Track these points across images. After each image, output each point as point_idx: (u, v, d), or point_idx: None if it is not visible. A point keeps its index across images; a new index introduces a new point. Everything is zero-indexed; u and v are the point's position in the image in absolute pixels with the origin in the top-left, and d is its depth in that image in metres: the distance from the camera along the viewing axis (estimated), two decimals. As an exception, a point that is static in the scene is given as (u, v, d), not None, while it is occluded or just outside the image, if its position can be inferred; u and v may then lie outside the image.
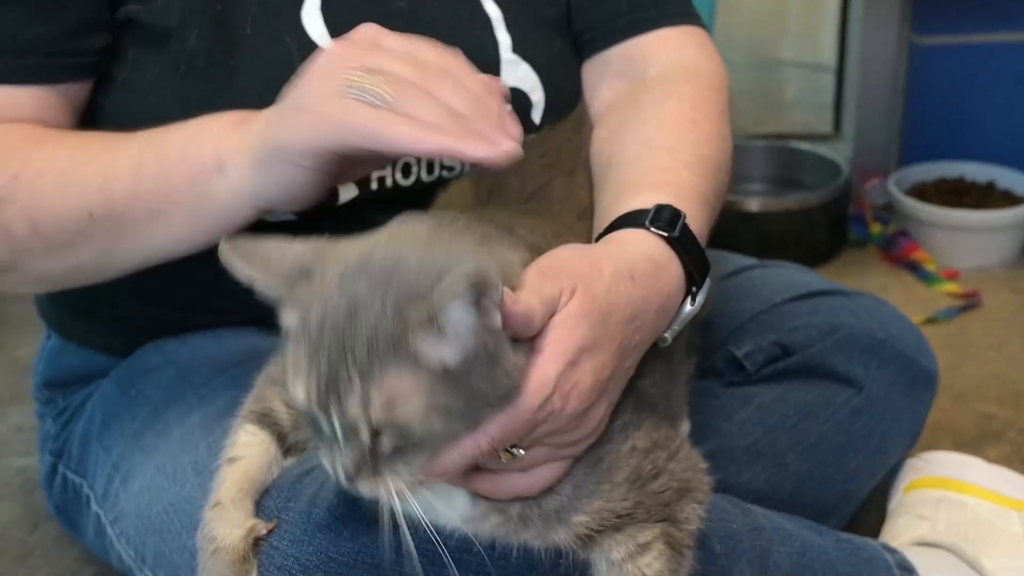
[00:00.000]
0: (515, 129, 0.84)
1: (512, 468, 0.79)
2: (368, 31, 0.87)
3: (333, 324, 0.69)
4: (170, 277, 1.02)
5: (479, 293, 0.67)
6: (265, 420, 0.90)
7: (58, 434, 1.21)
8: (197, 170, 0.89)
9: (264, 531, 0.87)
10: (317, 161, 0.84)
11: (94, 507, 1.12)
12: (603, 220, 0.93)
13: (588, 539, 0.84)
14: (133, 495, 1.03)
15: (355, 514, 0.88)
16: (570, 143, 1.09)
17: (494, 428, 0.73)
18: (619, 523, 0.84)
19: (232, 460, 0.89)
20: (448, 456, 0.73)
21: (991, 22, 2.18)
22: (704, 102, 1.05)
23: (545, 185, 1.03)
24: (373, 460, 0.71)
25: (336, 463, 0.72)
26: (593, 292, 0.78)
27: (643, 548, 0.84)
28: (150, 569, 1.00)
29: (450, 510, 0.82)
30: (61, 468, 1.20)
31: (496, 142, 0.80)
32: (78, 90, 1.01)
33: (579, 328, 0.77)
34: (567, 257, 0.81)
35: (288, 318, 0.74)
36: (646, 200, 0.91)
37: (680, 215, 0.89)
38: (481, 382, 0.70)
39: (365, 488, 0.72)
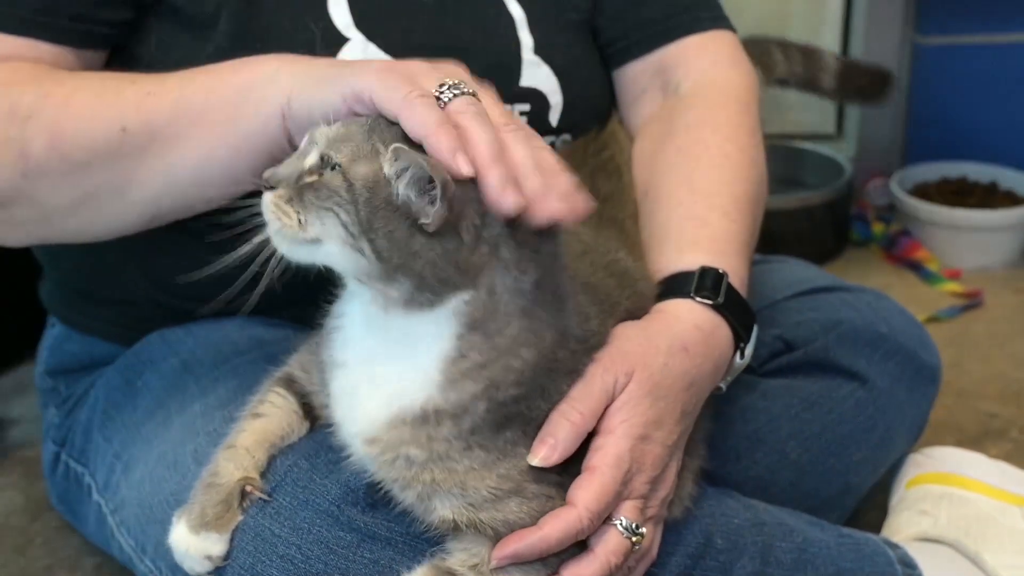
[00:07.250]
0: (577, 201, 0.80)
1: (646, 556, 0.89)
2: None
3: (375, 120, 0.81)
4: (177, 263, 1.02)
5: (436, 186, 0.74)
6: (290, 385, 0.93)
7: (61, 422, 1.21)
8: (251, 78, 0.89)
9: (256, 490, 0.89)
10: (357, 104, 0.81)
11: (95, 496, 1.12)
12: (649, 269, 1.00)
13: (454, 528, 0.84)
14: (134, 484, 1.03)
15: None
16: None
17: (588, 500, 0.82)
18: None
19: (256, 415, 0.92)
20: (541, 532, 0.81)
21: (994, 22, 2.18)
22: (734, 127, 1.09)
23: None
24: (298, 187, 0.77)
25: (280, 166, 0.79)
26: (651, 371, 0.87)
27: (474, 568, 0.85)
28: (150, 559, 1.00)
29: (357, 420, 0.85)
30: (64, 457, 1.20)
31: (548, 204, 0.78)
32: (93, 58, 1.02)
33: (642, 405, 0.86)
34: (623, 345, 0.88)
35: None
36: (688, 261, 0.97)
37: (722, 277, 0.95)
38: (384, 235, 0.77)
39: (267, 200, 0.78)
